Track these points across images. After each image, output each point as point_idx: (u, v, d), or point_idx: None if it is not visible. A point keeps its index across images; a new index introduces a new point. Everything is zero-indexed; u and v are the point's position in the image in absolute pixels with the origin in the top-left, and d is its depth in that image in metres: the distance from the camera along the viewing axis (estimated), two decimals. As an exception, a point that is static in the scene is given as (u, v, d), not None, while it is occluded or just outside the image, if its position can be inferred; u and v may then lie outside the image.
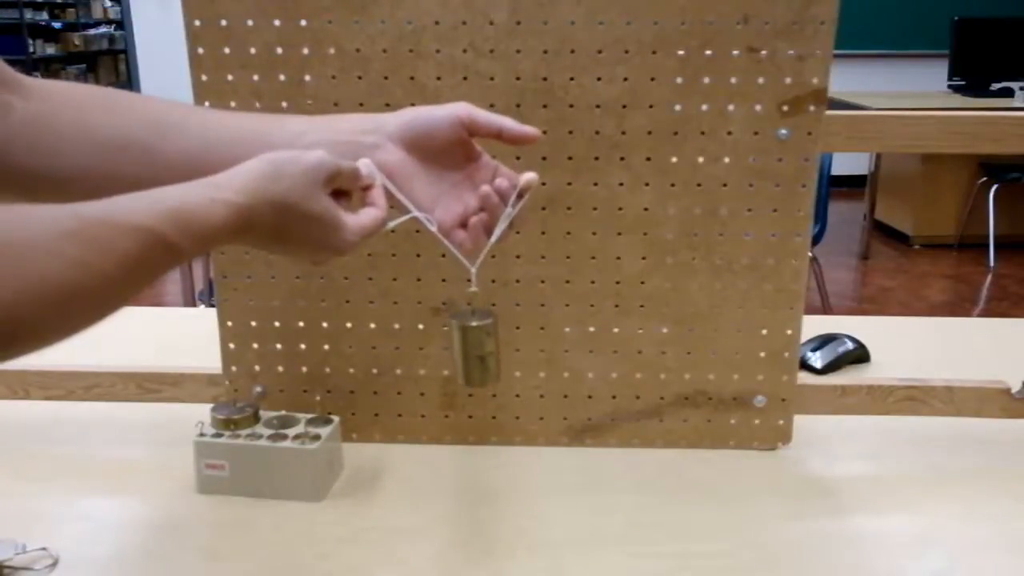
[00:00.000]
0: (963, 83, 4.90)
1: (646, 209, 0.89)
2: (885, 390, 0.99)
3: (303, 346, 0.95)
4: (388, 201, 0.68)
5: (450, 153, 0.70)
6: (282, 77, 0.87)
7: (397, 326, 0.93)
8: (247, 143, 0.67)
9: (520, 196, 0.69)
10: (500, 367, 0.74)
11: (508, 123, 0.69)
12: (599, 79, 0.86)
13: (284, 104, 0.87)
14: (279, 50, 0.86)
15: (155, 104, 0.70)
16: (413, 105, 0.86)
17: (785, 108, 0.86)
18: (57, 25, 7.92)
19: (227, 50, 0.86)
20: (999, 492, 0.87)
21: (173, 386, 1.02)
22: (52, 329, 0.49)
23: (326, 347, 0.95)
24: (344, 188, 0.65)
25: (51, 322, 0.48)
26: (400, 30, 0.85)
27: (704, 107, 0.86)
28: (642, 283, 0.91)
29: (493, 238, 0.69)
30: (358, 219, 0.65)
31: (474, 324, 0.72)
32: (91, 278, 0.49)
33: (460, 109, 0.69)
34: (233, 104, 0.88)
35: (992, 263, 4.55)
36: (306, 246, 0.63)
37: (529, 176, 0.69)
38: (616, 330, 0.93)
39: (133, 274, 0.52)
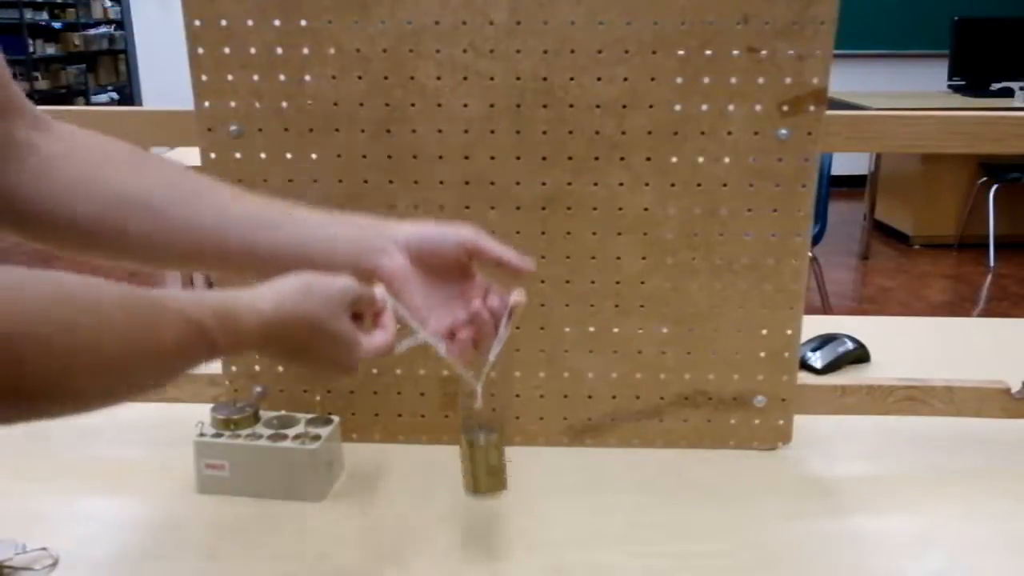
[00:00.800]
0: (963, 83, 4.89)
1: (646, 209, 0.89)
2: (885, 390, 0.99)
3: (303, 346, 0.95)
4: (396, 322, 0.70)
5: (450, 270, 0.72)
6: (282, 77, 0.87)
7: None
8: (255, 228, 0.69)
9: (510, 316, 0.72)
10: (506, 473, 0.77)
11: (509, 255, 0.71)
12: (599, 79, 0.86)
13: (284, 104, 0.88)
14: (279, 50, 0.86)
15: (174, 171, 0.70)
16: (413, 106, 0.87)
17: (785, 108, 0.86)
18: (57, 25, 7.92)
19: (227, 50, 0.86)
20: (999, 492, 0.88)
21: (173, 386, 1.02)
22: (95, 398, 0.51)
23: (326, 347, 0.94)
24: (360, 311, 0.67)
25: (96, 392, 0.50)
26: (400, 30, 0.85)
27: (704, 107, 0.86)
28: (642, 283, 0.91)
29: (491, 356, 0.72)
30: (371, 340, 0.67)
31: (483, 442, 0.76)
32: (138, 355, 0.51)
33: (468, 236, 0.71)
34: (233, 104, 0.88)
35: (992, 263, 4.55)
36: (323, 362, 0.66)
37: (518, 298, 0.72)
38: (616, 330, 0.93)
39: (174, 357, 0.54)
